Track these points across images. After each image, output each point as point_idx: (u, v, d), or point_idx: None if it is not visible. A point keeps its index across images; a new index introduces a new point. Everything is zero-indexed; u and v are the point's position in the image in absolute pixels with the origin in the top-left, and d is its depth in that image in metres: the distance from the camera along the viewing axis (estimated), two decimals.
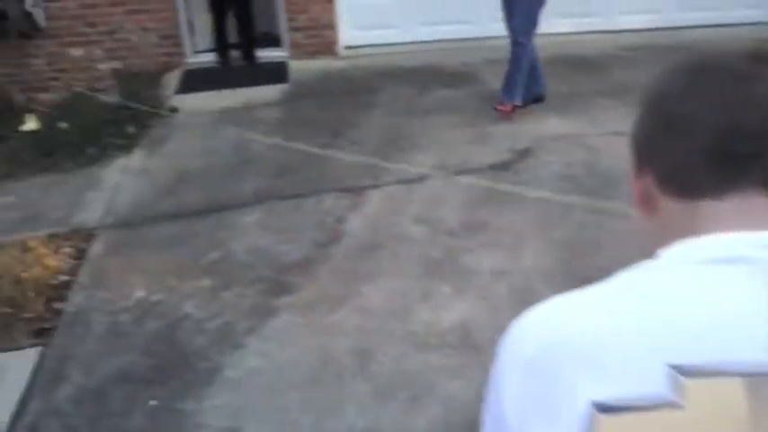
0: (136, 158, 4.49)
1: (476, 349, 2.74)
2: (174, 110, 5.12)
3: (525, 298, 3.04)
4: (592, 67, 5.88)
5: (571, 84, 5.52)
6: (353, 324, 2.89)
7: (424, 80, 5.59)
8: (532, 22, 4.69)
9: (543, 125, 4.80)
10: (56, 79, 5.71)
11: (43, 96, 5.64)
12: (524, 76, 4.84)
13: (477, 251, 3.39)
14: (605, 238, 3.51)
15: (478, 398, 2.49)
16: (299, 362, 2.69)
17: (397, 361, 2.66)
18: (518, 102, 4.87)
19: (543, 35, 6.05)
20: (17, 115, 5.37)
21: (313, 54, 5.91)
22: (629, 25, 6.42)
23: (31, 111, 5.36)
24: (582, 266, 3.28)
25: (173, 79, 5.63)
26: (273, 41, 6.08)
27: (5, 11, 5.19)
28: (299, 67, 5.78)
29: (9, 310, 3.04)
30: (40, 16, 5.42)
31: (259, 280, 3.17)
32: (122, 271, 3.28)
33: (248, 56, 5.89)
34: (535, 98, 5.04)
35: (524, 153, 4.40)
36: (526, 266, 3.27)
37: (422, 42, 6.15)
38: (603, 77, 5.66)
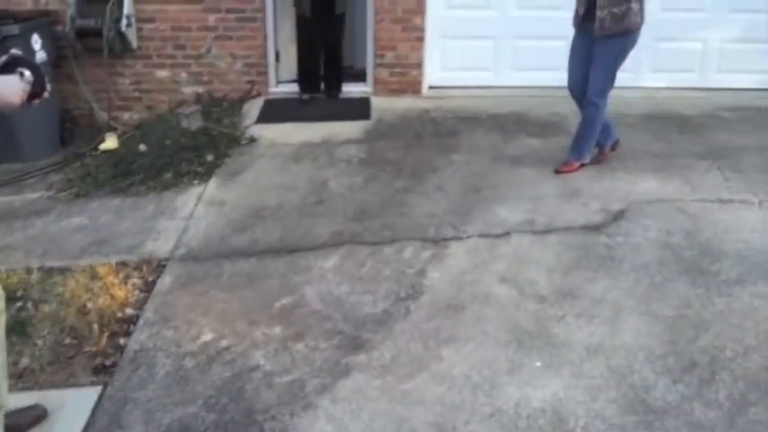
0: (212, 188, 4.38)
1: None
2: (253, 139, 5.02)
3: (626, 380, 2.75)
4: (689, 126, 5.55)
5: (667, 143, 5.20)
6: (434, 393, 2.64)
7: (510, 127, 5.36)
8: (610, 82, 4.43)
9: (638, 185, 4.50)
10: (139, 99, 5.72)
11: (125, 116, 5.64)
12: (595, 137, 4.60)
13: (570, 321, 3.11)
14: (711, 318, 3.18)
15: None
16: (373, 429, 2.45)
17: None
18: (586, 160, 4.63)
19: (635, 88, 5.79)
20: (98, 133, 5.36)
21: (396, 92, 5.77)
22: (728, 84, 6.08)
23: (111, 129, 5.35)
24: (688, 347, 2.97)
25: (254, 108, 5.55)
26: (357, 77, 5.97)
27: (101, 30, 5.22)
28: (382, 104, 5.63)
29: (72, 342, 2.90)
30: (132, 36, 5.44)
31: (333, 333, 2.96)
32: (190, 309, 3.11)
33: (332, 90, 5.78)
34: (612, 146, 4.78)
35: (619, 215, 4.10)
36: (625, 343, 2.97)
37: (509, 87, 5.94)
38: (701, 138, 5.32)
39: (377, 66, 5.76)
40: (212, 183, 4.44)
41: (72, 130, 5.57)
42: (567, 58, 4.55)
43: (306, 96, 5.73)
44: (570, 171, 4.58)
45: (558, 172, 4.59)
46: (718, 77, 6.10)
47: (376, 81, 5.80)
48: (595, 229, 3.94)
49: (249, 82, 5.69)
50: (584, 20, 4.26)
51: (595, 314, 3.17)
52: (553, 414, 2.55)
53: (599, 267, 3.55)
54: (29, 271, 3.43)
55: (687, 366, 2.84)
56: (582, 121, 4.56)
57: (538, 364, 2.81)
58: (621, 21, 4.14)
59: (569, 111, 5.62)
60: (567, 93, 5.78)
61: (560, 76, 5.88)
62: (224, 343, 2.88)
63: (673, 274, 3.54)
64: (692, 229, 3.99)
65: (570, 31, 5.14)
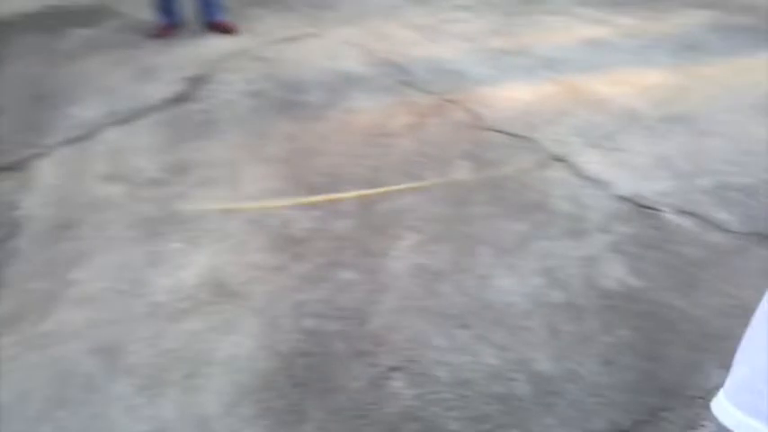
0: None
1: (236, 296, 2.42)
2: None
3: (264, 221, 2.78)
4: None
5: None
6: (81, 320, 2.34)
7: (53, 23, 4.77)
8: None
9: (205, 47, 4.42)
10: None
11: None
12: None
13: (193, 192, 2.99)
14: (315, 144, 3.35)
15: (263, 345, 2.17)
16: (34, 387, 2.09)
17: (154, 342, 2.22)
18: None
19: None
20: None
21: None
22: None
23: None
24: (305, 173, 3.10)
25: None
26: None
27: None
28: None
29: None
30: None
31: None
32: None
33: None
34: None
35: (199, 80, 4.00)
36: (249, 193, 2.98)
37: None
38: None
39: None
40: None
41: None
42: None
43: None
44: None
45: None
46: None
47: None
48: (183, 99, 3.79)
49: None
50: None
51: (216, 177, 3.09)
52: (212, 284, 2.46)
53: (200, 134, 3.44)
54: None
55: (309, 191, 2.96)
56: None
57: (177, 245, 2.67)
58: None
59: None
60: None
61: None
62: None
63: (271, 116, 3.61)
64: (273, 72, 4.09)
65: None
